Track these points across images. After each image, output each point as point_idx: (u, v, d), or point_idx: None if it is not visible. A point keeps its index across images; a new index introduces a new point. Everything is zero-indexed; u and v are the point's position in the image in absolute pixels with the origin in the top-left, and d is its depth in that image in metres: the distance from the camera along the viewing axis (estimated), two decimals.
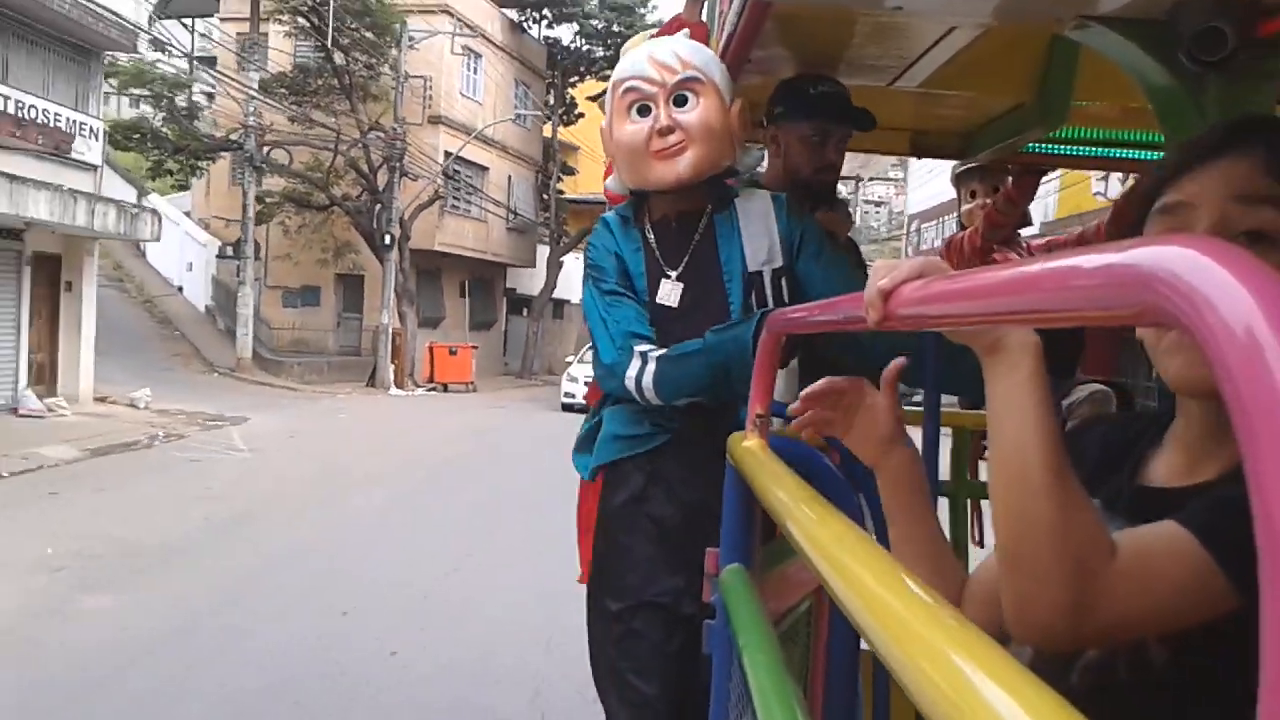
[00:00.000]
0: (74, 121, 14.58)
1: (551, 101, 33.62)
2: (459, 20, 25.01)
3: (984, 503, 3.34)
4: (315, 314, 26.23)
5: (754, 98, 2.62)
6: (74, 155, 14.37)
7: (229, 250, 22.70)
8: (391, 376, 23.05)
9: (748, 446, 1.40)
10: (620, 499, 2.15)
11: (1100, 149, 3.06)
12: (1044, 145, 3.01)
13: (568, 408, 19.68)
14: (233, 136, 21.29)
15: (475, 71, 26.30)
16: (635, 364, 2.02)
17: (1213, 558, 0.78)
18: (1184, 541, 0.81)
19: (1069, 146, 3.04)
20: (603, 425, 2.20)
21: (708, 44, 2.43)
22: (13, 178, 12.18)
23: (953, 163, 3.55)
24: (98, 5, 14.05)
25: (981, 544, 3.22)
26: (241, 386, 19.87)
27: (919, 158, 3.84)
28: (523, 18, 31.81)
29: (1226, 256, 0.39)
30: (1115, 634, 0.85)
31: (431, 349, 24.26)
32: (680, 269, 2.14)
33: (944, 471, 2.58)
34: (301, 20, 21.39)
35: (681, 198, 2.13)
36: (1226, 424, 0.39)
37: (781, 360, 1.55)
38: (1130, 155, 3.04)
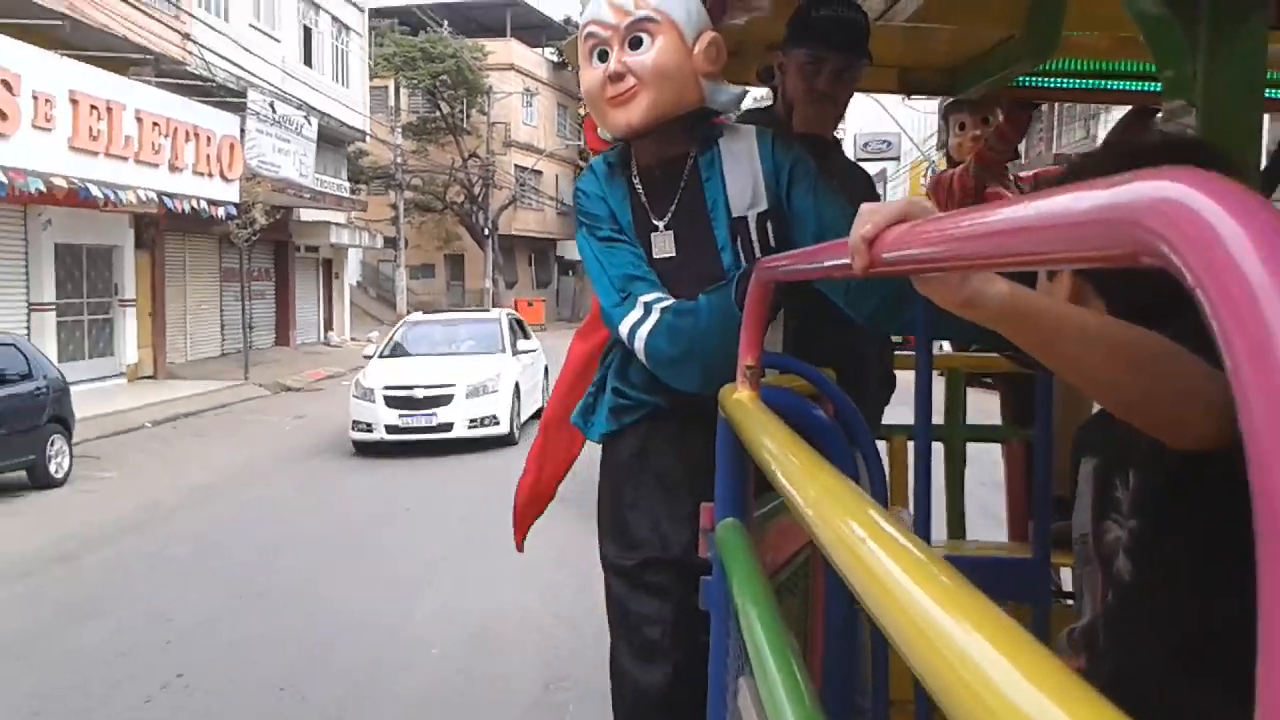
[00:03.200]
0: (341, 187, 27.79)
1: (583, 114, 38.03)
2: (520, 72, 40.61)
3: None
4: (431, 283, 41.69)
5: (757, 34, 2.75)
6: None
7: (380, 242, 33.52)
8: None
9: (738, 398, 1.47)
10: (622, 456, 2.31)
11: (1092, 80, 3.15)
12: (1035, 78, 3.08)
13: None
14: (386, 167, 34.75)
15: (531, 105, 42.12)
16: (637, 312, 2.12)
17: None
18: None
19: (1061, 79, 3.14)
20: (600, 399, 2.34)
21: None
22: (325, 223, 26.52)
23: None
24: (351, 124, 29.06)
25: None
26: None
27: (908, 95, 3.93)
28: (560, 57, 37.26)
29: (1219, 191, 0.39)
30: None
31: (516, 303, 36.53)
32: (667, 218, 2.21)
33: (938, 416, 2.67)
34: (420, 86, 35.64)
35: (663, 142, 2.19)
36: None
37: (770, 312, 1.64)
38: (1123, 87, 3.12)
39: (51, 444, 10.66)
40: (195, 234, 20.81)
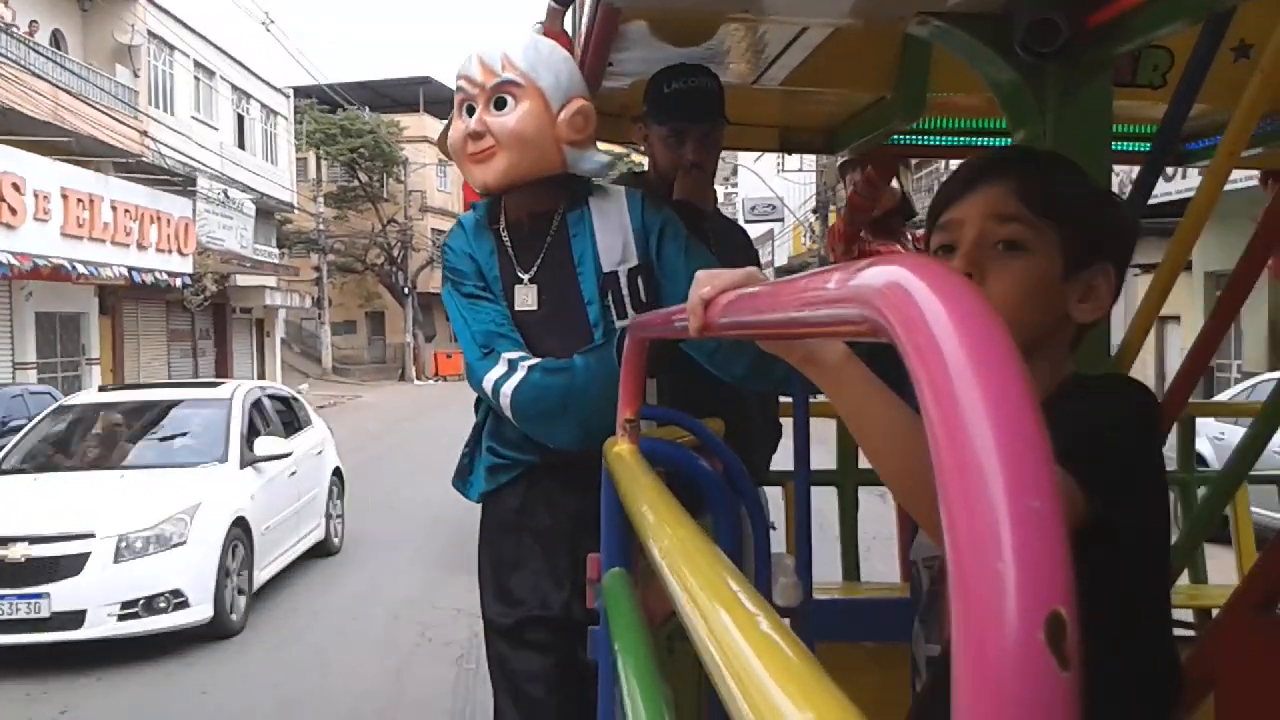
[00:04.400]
0: (271, 253, 27.77)
1: None
2: (433, 144, 38.96)
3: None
4: (353, 338, 40.47)
5: (629, 99, 2.57)
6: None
7: (308, 303, 33.42)
8: (413, 373, 36.75)
9: (618, 451, 1.37)
10: (501, 515, 2.10)
11: (960, 138, 3.08)
12: (908, 136, 3.02)
13: None
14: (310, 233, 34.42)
15: (445, 173, 39.49)
16: (500, 368, 1.94)
17: (1070, 472, 0.83)
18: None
19: (931, 136, 3.06)
20: (477, 458, 2.13)
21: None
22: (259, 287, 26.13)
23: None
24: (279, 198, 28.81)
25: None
26: (333, 384, 31.66)
27: (789, 153, 3.89)
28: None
29: (933, 277, 0.39)
30: None
31: (435, 355, 37.04)
32: (533, 271, 2.03)
33: (820, 461, 2.54)
34: (340, 159, 34.86)
35: (533, 198, 2.03)
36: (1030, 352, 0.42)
37: (650, 368, 1.49)
38: (990, 143, 3.05)
39: None
40: (147, 301, 21.54)
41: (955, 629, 0.32)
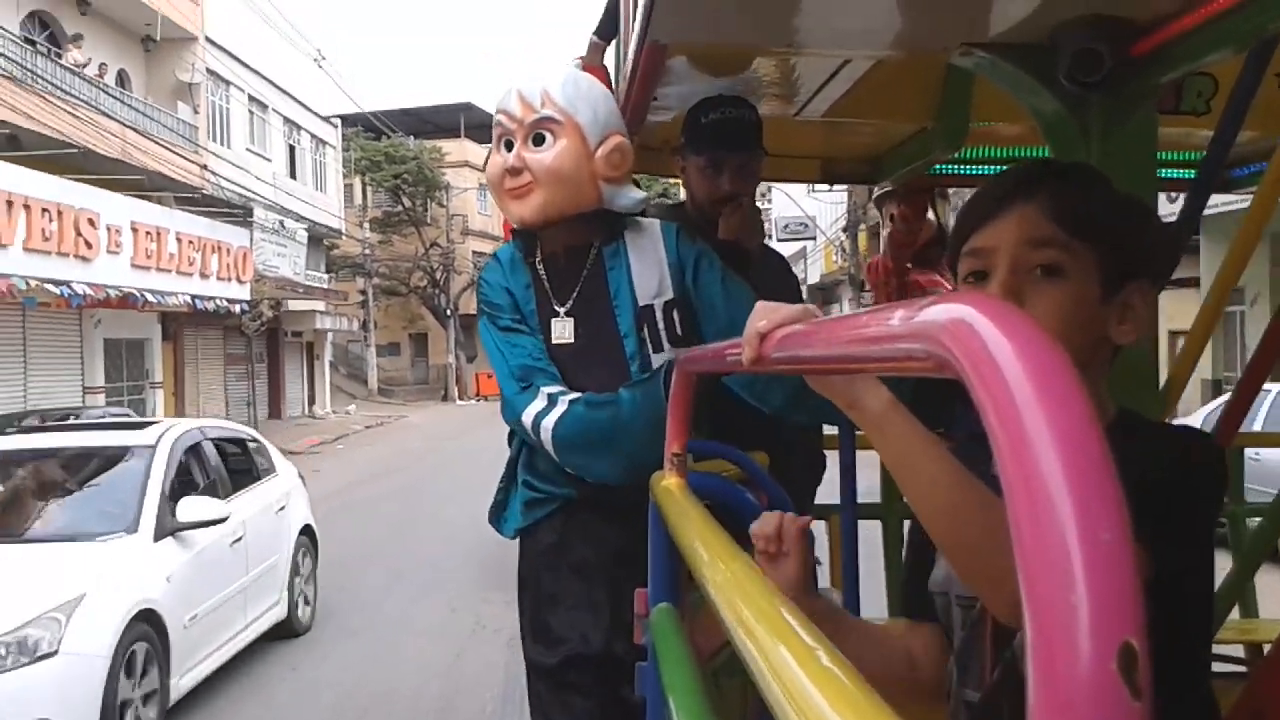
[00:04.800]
0: (320, 278, 28.06)
1: None
2: (474, 168, 37.94)
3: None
4: (397, 360, 40.35)
5: (670, 133, 2.52)
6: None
7: (355, 326, 33.86)
8: (456, 393, 37.28)
9: (666, 485, 1.32)
10: (538, 550, 2.01)
11: (1001, 166, 2.96)
12: (951, 166, 2.95)
13: None
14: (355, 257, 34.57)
15: (485, 197, 38.22)
16: (539, 402, 1.86)
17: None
18: None
19: (974, 166, 2.98)
20: (512, 493, 2.05)
21: (609, 87, 2.30)
22: (310, 311, 26.65)
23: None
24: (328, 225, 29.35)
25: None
26: (379, 404, 32.43)
27: (831, 185, 3.82)
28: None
29: (998, 314, 0.40)
30: None
31: (477, 376, 36.81)
32: (569, 304, 1.97)
33: (864, 494, 2.43)
34: (384, 185, 35.09)
35: (568, 232, 1.97)
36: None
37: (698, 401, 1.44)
38: None
39: None
40: (205, 326, 21.95)
41: (1031, 658, 0.32)
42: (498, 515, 2.09)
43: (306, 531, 6.63)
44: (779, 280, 2.51)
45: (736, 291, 1.94)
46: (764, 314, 0.87)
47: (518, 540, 2.08)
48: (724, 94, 2.26)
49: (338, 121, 30.85)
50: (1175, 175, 2.80)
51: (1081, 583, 0.31)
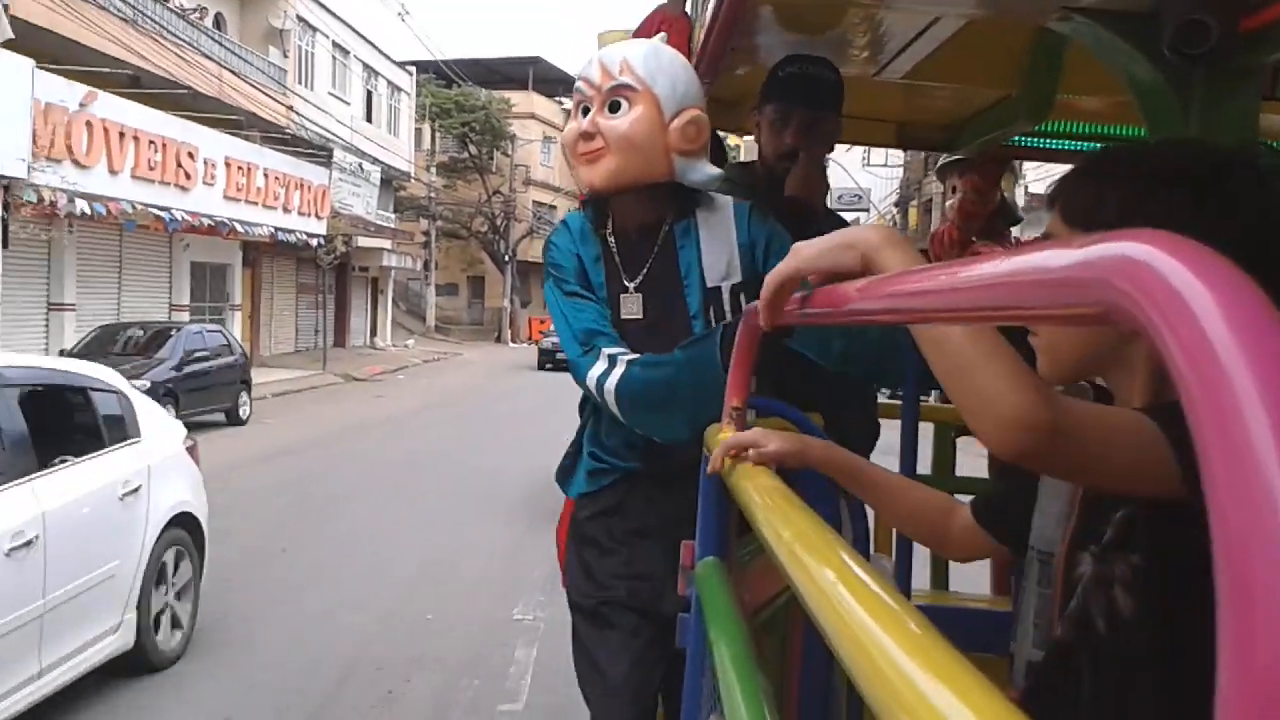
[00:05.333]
0: (388, 218, 27.87)
1: None
2: (540, 121, 39.06)
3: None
4: (454, 300, 40.30)
5: (747, 88, 2.40)
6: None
7: (419, 265, 33.88)
8: (509, 336, 37.77)
9: (723, 438, 1.24)
10: (598, 510, 1.96)
11: (1085, 143, 2.77)
12: (1031, 139, 2.77)
13: None
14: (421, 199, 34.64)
15: (548, 150, 39.41)
16: (601, 365, 1.79)
17: (1166, 438, 0.76)
18: (1142, 419, 0.80)
19: (1055, 140, 2.78)
20: (579, 458, 2.00)
21: (689, 38, 2.18)
22: (378, 249, 26.75)
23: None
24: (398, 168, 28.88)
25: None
26: (435, 342, 32.82)
27: (905, 150, 3.64)
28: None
29: (1186, 253, 0.33)
30: (1067, 464, 0.83)
31: (530, 320, 37.73)
32: (639, 280, 1.89)
33: (924, 466, 2.34)
34: (453, 132, 35.06)
35: (640, 205, 1.87)
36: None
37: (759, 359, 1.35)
38: None
39: (240, 397, 13.15)
40: (281, 257, 22.30)
41: (1225, 635, 0.27)
42: (565, 479, 2.05)
43: (184, 523, 4.37)
44: None
45: None
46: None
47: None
48: (807, 53, 2.15)
49: (413, 69, 30.82)
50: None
51: None
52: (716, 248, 1.86)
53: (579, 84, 1.86)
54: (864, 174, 24.67)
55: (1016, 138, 2.68)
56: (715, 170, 1.88)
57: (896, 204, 24.08)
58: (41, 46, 12.37)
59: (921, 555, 2.12)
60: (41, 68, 11.94)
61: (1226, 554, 0.28)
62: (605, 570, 1.92)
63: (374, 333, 29.15)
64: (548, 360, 23.73)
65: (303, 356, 22.41)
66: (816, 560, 0.65)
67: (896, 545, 1.89)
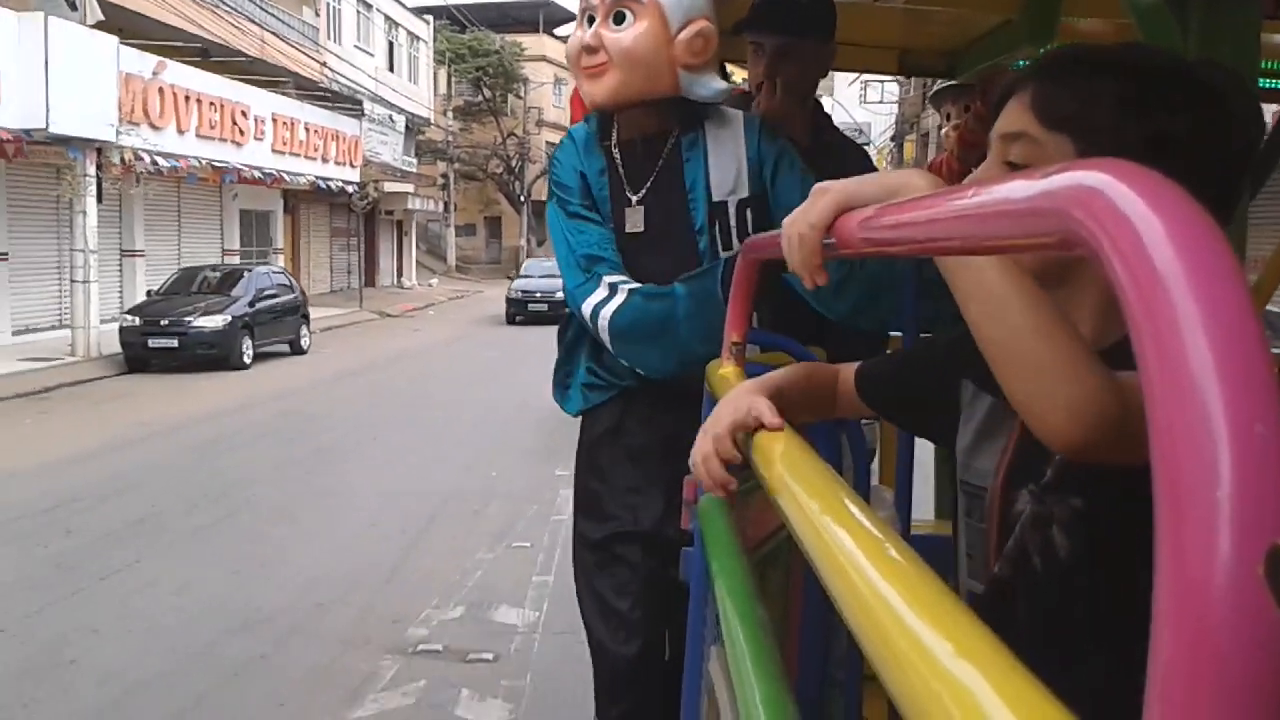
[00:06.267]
0: (410, 163, 26.87)
1: None
2: (551, 63, 36.57)
3: None
4: (473, 240, 39.08)
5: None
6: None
7: (441, 207, 33.09)
8: None
9: (723, 374, 1.15)
10: (597, 432, 1.84)
11: None
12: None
13: None
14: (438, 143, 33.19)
15: (560, 91, 37.07)
16: (600, 292, 1.66)
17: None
18: None
19: None
20: (574, 374, 1.86)
21: None
22: (403, 193, 25.96)
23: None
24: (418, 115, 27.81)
25: None
26: (457, 281, 32.34)
27: (907, 76, 3.21)
28: None
29: (1139, 181, 0.31)
30: (1118, 451, 0.62)
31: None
32: (643, 193, 1.72)
33: None
34: (467, 77, 33.54)
35: (645, 117, 1.71)
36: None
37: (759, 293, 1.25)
38: None
39: (301, 329, 13.87)
40: (317, 204, 22.46)
41: (1162, 558, 0.26)
42: (561, 394, 1.91)
43: None
44: (862, 170, 2.14)
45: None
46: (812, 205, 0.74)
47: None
48: None
49: (429, 17, 29.97)
50: (1273, 86, 2.43)
51: (1228, 477, 0.25)
52: (724, 162, 1.71)
53: None
54: (861, 110, 23.74)
55: (1019, 62, 2.48)
56: (722, 84, 1.73)
57: (893, 138, 23.24)
58: (115, 20, 12.69)
59: (923, 487, 1.97)
60: (122, 42, 12.40)
61: (1163, 462, 0.26)
62: (609, 498, 1.80)
63: (400, 273, 29.04)
64: (518, 312, 18.08)
65: (339, 296, 22.49)
66: (808, 493, 0.62)
67: (897, 478, 1.80)
